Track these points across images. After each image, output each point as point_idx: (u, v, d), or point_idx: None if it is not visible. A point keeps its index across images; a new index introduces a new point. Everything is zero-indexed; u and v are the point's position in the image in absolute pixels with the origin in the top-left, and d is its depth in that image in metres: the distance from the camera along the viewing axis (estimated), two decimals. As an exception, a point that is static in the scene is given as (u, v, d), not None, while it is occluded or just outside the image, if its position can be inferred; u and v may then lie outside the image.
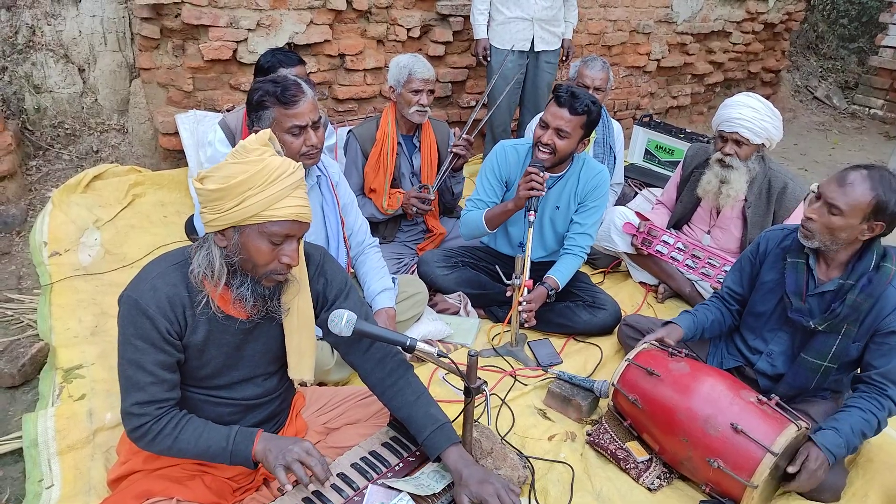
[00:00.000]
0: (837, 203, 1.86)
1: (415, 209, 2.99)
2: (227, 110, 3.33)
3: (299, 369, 1.66)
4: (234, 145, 2.79)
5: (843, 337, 2.00)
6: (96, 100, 3.80)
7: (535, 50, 3.90)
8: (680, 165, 3.14)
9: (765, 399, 1.91)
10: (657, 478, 2.01)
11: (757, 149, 2.76)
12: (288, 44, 3.75)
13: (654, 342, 2.17)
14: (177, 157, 3.74)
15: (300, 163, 1.50)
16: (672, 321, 2.27)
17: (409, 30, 4.16)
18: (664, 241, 3.03)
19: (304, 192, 1.47)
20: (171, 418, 1.50)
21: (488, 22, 3.90)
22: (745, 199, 2.84)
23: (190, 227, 3.13)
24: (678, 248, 3.00)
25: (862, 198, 1.85)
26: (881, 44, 6.98)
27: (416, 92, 2.91)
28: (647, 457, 2.05)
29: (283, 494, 1.56)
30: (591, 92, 3.10)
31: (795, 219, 2.79)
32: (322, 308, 1.68)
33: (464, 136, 3.05)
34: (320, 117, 2.08)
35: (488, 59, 3.93)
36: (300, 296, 1.61)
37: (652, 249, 3.05)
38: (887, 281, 1.92)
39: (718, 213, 2.96)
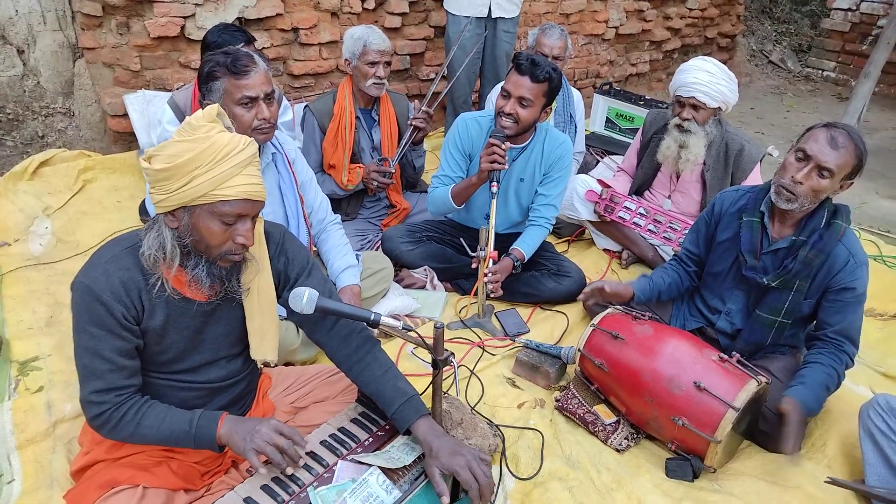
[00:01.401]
0: (830, 166, 1.87)
1: (375, 183, 2.95)
2: (177, 89, 3.22)
3: (262, 350, 1.63)
4: (184, 124, 2.71)
5: (795, 293, 2.04)
6: (38, 82, 3.64)
7: (493, 16, 3.84)
8: (639, 132, 3.16)
9: (726, 357, 1.95)
10: (625, 439, 2.04)
11: (714, 112, 2.79)
12: (238, 18, 3.63)
13: (609, 304, 2.21)
14: (127, 140, 3.61)
15: (252, 138, 1.45)
16: (627, 283, 2.31)
17: (363, 1, 4.07)
18: (626, 207, 3.05)
19: (256, 169, 1.42)
20: (133, 405, 1.46)
21: None
22: (704, 163, 2.88)
23: (144, 211, 3.04)
24: (640, 214, 3.04)
25: (851, 159, 1.87)
26: (832, 6, 7.10)
27: (373, 64, 2.85)
28: (615, 419, 2.09)
29: (251, 476, 1.54)
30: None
31: (752, 180, 2.84)
32: (285, 287, 1.65)
33: (423, 108, 3.01)
34: (273, 91, 2.02)
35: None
36: (260, 275, 1.57)
37: (614, 216, 3.07)
38: (837, 237, 1.97)
39: (678, 177, 2.99)
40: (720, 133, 2.86)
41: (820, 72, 7.33)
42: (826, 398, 2.01)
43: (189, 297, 1.50)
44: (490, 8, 3.81)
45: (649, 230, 3.03)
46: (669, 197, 3.06)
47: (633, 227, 3.07)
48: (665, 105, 4.00)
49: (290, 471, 1.48)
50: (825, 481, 1.76)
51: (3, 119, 3.54)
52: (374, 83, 2.88)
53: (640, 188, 3.18)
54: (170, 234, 1.42)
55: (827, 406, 2.20)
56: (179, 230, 1.41)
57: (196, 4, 3.49)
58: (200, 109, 1.42)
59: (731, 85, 2.75)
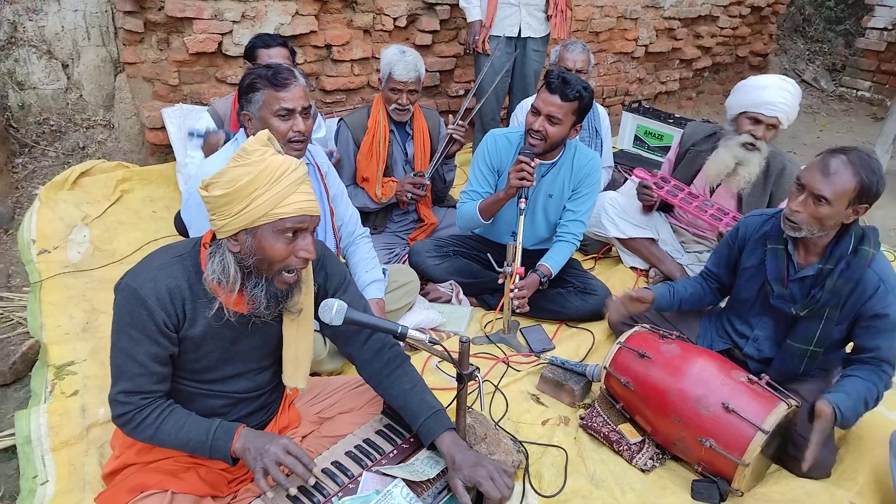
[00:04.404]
0: (824, 193, 1.85)
1: (409, 195, 2.99)
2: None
3: (294, 378, 1.66)
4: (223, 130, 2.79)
5: (826, 321, 2.01)
6: (81, 95, 3.77)
7: (522, 36, 3.88)
8: (676, 144, 3.10)
9: (755, 378, 1.93)
10: (650, 459, 2.02)
11: (778, 130, 2.73)
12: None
13: (636, 322, 2.20)
14: (164, 152, 3.71)
15: (300, 160, 1.49)
16: (648, 289, 2.30)
17: (395, 19, 4.14)
18: (676, 187, 2.98)
19: (309, 187, 1.47)
20: (155, 409, 1.50)
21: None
22: None
23: (179, 222, 3.12)
24: (690, 194, 2.95)
25: (847, 184, 1.84)
26: (868, 25, 7.00)
27: (395, 91, 2.89)
28: (640, 438, 2.07)
29: (277, 484, 1.56)
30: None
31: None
32: (322, 302, 1.68)
33: (458, 121, 3.05)
34: (310, 106, 2.08)
35: (477, 48, 3.89)
36: (305, 299, 1.61)
37: (663, 192, 2.98)
38: (865, 264, 1.93)
39: (712, 193, 2.95)
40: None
41: (854, 91, 7.22)
42: (863, 413, 1.94)
43: (231, 310, 1.53)
44: (520, 28, 3.85)
45: (697, 208, 2.91)
46: None
47: (680, 204, 2.95)
48: (704, 121, 3.96)
49: (293, 491, 1.48)
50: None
51: (46, 130, 3.67)
52: (395, 108, 2.94)
53: (668, 205, 3.16)
54: (233, 259, 1.46)
55: (860, 433, 2.15)
56: (242, 253, 1.45)
57: (233, 22, 3.59)
58: (240, 128, 1.46)
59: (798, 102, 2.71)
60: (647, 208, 3.12)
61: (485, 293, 2.88)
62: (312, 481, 1.50)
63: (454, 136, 3.02)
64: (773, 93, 2.63)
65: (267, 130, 1.49)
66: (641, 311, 2.33)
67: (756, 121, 2.68)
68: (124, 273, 1.49)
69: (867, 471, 2.02)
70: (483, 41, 3.78)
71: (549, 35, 3.99)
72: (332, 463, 1.62)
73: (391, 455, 1.66)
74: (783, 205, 2.74)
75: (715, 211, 2.89)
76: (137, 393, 1.48)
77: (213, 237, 1.50)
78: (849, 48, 7.51)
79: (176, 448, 1.53)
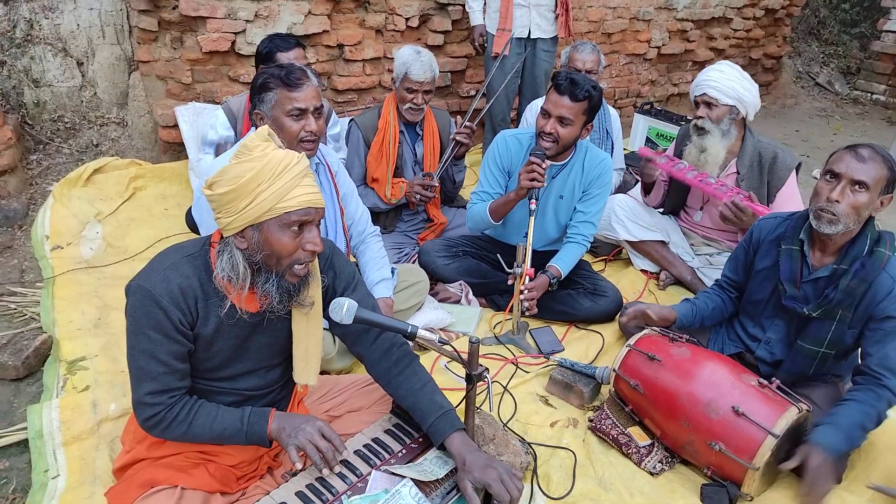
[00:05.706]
0: (863, 178, 1.85)
1: (418, 196, 2.99)
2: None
3: (305, 374, 1.67)
4: (235, 129, 2.81)
5: (838, 323, 1.99)
6: (95, 93, 3.80)
7: (532, 37, 3.88)
8: (672, 145, 3.12)
9: (766, 382, 1.91)
10: (659, 462, 2.01)
11: (729, 111, 2.76)
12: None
13: (648, 325, 2.18)
14: (177, 150, 3.74)
15: (303, 153, 1.50)
16: (670, 307, 2.29)
17: (407, 19, 4.15)
18: (681, 166, 2.94)
19: (312, 179, 1.48)
20: (184, 405, 1.52)
21: (485, 9, 3.89)
22: (738, 172, 2.83)
23: (190, 219, 3.13)
24: (694, 171, 2.91)
25: (881, 170, 1.86)
26: (883, 28, 6.94)
27: (411, 91, 2.90)
28: (649, 441, 2.06)
29: (286, 481, 1.57)
30: (583, 75, 3.08)
31: (788, 188, 2.78)
32: (331, 301, 1.69)
33: (465, 123, 3.05)
34: (322, 106, 2.08)
35: (485, 45, 3.92)
36: (315, 291, 1.61)
37: (668, 167, 2.96)
38: (881, 265, 1.91)
39: None
40: (752, 142, 2.82)
41: (869, 95, 7.15)
42: (864, 436, 1.93)
43: (243, 309, 1.54)
44: (530, 29, 3.85)
45: (702, 181, 2.85)
46: (702, 208, 3.01)
47: (685, 178, 2.90)
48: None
49: (325, 472, 1.52)
50: (867, 486, 1.79)
51: (60, 127, 3.71)
52: (409, 108, 2.94)
53: (675, 207, 3.14)
54: (241, 256, 1.47)
55: (870, 438, 2.12)
56: (249, 249, 1.46)
57: (246, 21, 3.61)
58: (252, 127, 1.47)
59: (744, 83, 2.77)
60: (645, 189, 3.10)
61: (494, 294, 2.87)
62: (337, 469, 1.53)
63: (458, 139, 3.02)
64: (700, 76, 2.84)
65: (267, 126, 1.49)
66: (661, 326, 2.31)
67: (696, 104, 2.84)
68: (134, 275, 1.50)
69: (878, 476, 2.00)
70: (505, 44, 3.77)
71: (558, 36, 3.98)
72: (340, 461, 1.62)
73: (400, 454, 1.66)
74: (784, 207, 2.72)
75: (719, 185, 2.86)
76: (165, 392, 1.49)
77: (221, 236, 1.51)
78: (864, 51, 7.44)
79: (209, 441, 1.56)
